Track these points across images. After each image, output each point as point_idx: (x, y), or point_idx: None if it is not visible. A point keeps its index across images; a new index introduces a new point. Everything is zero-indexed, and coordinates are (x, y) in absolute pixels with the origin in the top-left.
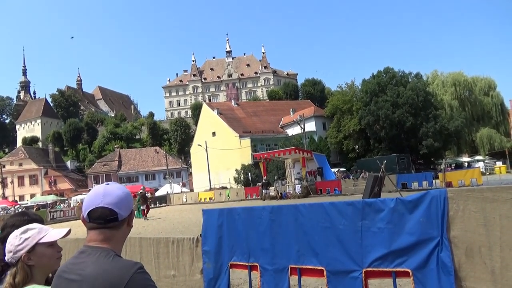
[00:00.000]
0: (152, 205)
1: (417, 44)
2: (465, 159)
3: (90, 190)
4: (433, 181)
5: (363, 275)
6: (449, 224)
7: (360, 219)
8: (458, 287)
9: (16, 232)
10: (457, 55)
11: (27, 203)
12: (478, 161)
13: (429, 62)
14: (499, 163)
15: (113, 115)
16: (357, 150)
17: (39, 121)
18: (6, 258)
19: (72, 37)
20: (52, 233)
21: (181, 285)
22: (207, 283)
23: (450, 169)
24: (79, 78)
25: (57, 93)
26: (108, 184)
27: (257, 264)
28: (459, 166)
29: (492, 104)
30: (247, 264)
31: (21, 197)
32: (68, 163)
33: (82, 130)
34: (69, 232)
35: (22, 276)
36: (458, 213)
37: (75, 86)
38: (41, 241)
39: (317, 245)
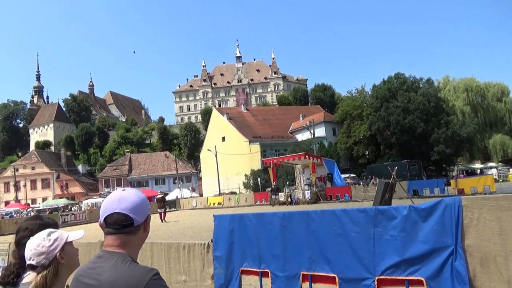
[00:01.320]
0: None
1: (429, 50)
2: (477, 165)
3: (100, 194)
4: (445, 188)
5: (376, 283)
6: (464, 232)
7: (373, 226)
8: None
9: (42, 234)
10: (469, 60)
11: (39, 207)
12: (491, 168)
13: (441, 68)
14: None
15: (124, 120)
16: (367, 156)
17: (51, 125)
18: (37, 261)
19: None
20: (72, 233)
21: None
22: None
23: (462, 176)
24: (91, 83)
25: (69, 98)
26: (124, 189)
27: (268, 271)
28: (472, 173)
29: (506, 110)
30: (258, 270)
31: (33, 201)
32: (80, 167)
33: (93, 135)
34: (83, 233)
35: (53, 276)
36: (473, 222)
37: (87, 91)
38: (68, 240)
39: (329, 252)
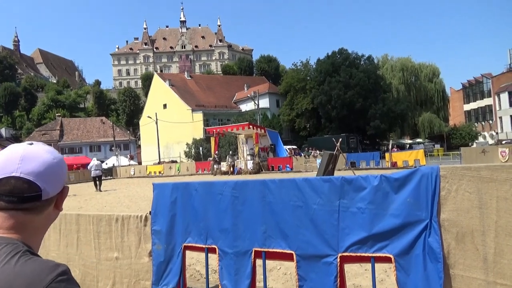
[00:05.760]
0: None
1: (371, 27)
2: (407, 141)
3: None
4: (380, 160)
5: (338, 260)
6: (440, 205)
7: (338, 198)
8: (446, 276)
9: None
10: (407, 40)
11: None
12: (418, 143)
13: (381, 45)
14: (437, 146)
15: (55, 81)
16: (308, 129)
17: None
18: None
19: None
20: None
21: (125, 269)
22: (156, 267)
23: (396, 150)
24: (16, 39)
25: None
26: (31, 143)
27: (215, 247)
28: (402, 147)
29: (435, 90)
30: (204, 246)
31: None
32: (3, 131)
33: (19, 96)
34: None
35: None
36: (451, 194)
37: (12, 47)
38: None
39: (287, 226)
